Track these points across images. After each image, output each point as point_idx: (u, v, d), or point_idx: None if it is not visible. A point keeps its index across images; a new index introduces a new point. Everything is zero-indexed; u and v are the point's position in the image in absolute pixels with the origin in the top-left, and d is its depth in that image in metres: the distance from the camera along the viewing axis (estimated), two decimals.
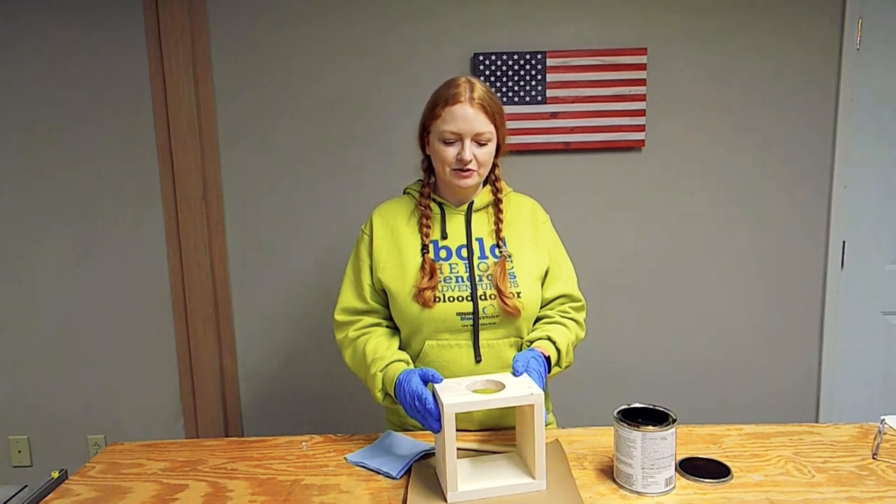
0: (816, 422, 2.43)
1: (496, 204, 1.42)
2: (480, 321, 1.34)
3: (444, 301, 1.33)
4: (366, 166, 2.31)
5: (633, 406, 1.16)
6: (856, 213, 2.36)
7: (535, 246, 1.42)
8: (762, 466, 1.18)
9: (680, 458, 1.20)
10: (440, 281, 1.34)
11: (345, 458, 1.27)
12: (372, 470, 1.22)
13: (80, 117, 2.27)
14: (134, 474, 1.24)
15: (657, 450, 1.07)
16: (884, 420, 1.26)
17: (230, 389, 2.40)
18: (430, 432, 1.36)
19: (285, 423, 2.44)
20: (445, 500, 1.08)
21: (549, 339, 1.35)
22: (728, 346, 2.42)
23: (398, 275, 1.37)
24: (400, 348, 1.40)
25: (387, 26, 2.24)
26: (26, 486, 1.27)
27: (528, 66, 2.21)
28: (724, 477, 1.13)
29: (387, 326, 1.44)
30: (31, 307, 2.37)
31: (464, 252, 1.38)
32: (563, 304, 1.45)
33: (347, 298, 1.44)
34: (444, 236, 1.40)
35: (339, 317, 1.45)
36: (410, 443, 1.30)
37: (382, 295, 1.42)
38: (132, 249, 2.34)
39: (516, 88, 2.22)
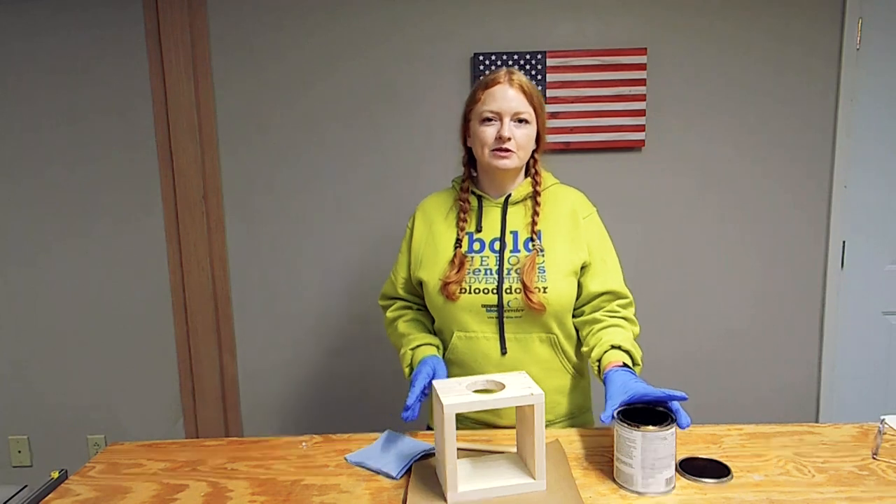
0: (816, 421, 2.43)
1: (534, 196, 1.41)
2: (505, 314, 1.35)
3: (470, 293, 1.36)
4: (366, 166, 2.31)
5: (633, 406, 1.16)
6: (856, 213, 2.36)
7: (571, 241, 1.39)
8: (762, 466, 1.18)
9: (680, 458, 1.20)
10: (469, 273, 1.36)
11: (345, 458, 1.27)
12: (372, 470, 1.22)
13: (80, 117, 2.27)
14: (134, 474, 1.24)
15: (657, 450, 1.07)
16: (884, 420, 1.25)
17: (230, 389, 2.40)
18: (430, 432, 1.37)
19: (285, 423, 2.44)
20: (445, 500, 1.08)
21: (613, 346, 1.31)
22: (728, 345, 2.42)
23: (432, 268, 1.40)
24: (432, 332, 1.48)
25: (387, 26, 2.24)
26: (26, 486, 1.27)
27: (528, 66, 2.21)
28: (724, 477, 1.13)
29: (418, 310, 1.51)
30: (31, 307, 2.37)
31: (496, 245, 1.39)
32: (610, 301, 1.40)
33: (385, 288, 1.56)
34: (479, 229, 1.41)
35: (380, 302, 1.58)
36: (410, 443, 1.30)
37: (419, 287, 1.47)
38: (132, 249, 2.34)
39: None
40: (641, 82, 2.23)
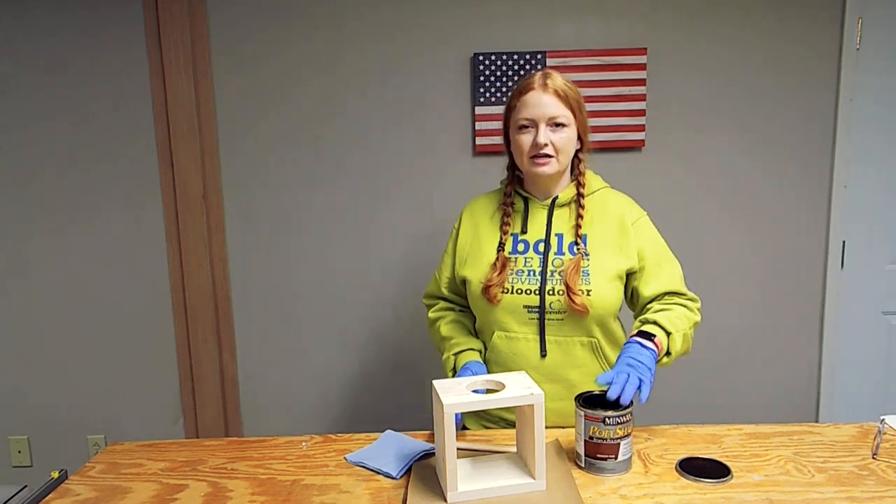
0: (816, 422, 2.43)
1: (578, 200, 1.41)
2: (547, 315, 1.35)
3: (512, 293, 1.36)
4: (366, 166, 2.31)
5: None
6: (856, 212, 2.36)
7: (617, 247, 1.38)
8: (762, 466, 1.18)
9: (680, 458, 1.21)
10: (511, 273, 1.36)
11: (345, 458, 1.27)
12: (372, 470, 1.22)
13: (80, 117, 2.27)
14: (134, 474, 1.24)
15: (579, 424, 1.18)
16: (884, 420, 1.26)
17: (230, 389, 2.40)
18: (430, 432, 1.36)
19: (285, 423, 2.44)
20: (445, 500, 1.08)
21: (646, 321, 1.32)
22: (728, 345, 2.42)
23: (475, 268, 1.41)
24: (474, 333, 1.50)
25: (387, 26, 2.24)
26: (26, 486, 1.28)
27: (528, 66, 2.21)
28: (724, 477, 1.14)
29: (460, 311, 1.53)
30: (31, 307, 2.37)
31: (541, 247, 1.39)
32: (664, 297, 1.40)
33: (430, 286, 1.57)
34: (524, 230, 1.41)
35: (423, 300, 1.60)
36: (410, 443, 1.30)
37: (462, 286, 1.47)
38: (132, 249, 2.34)
39: None
40: (641, 82, 2.23)
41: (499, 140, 2.20)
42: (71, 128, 2.28)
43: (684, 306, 1.39)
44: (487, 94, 2.22)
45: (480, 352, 1.44)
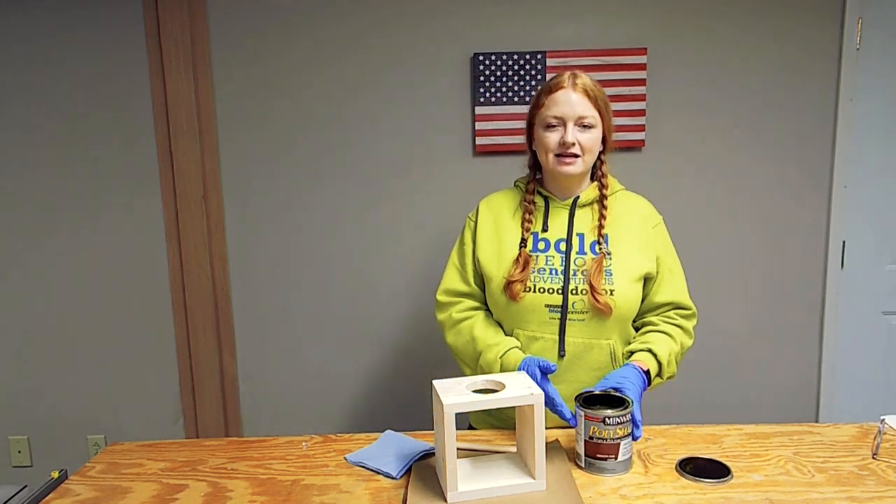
0: (816, 422, 2.43)
1: (601, 200, 1.41)
2: (568, 315, 1.34)
3: (535, 292, 1.35)
4: (365, 166, 2.31)
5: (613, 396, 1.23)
6: (856, 213, 2.36)
7: (640, 247, 1.39)
8: (762, 466, 1.18)
9: (680, 458, 1.21)
10: (534, 272, 1.35)
11: (345, 458, 1.27)
12: (372, 470, 1.22)
13: (80, 117, 2.27)
14: (134, 474, 1.24)
15: (579, 424, 1.18)
16: (884, 420, 1.26)
17: (230, 389, 2.40)
18: (430, 432, 1.36)
19: (285, 423, 2.44)
20: (445, 500, 1.08)
21: (650, 351, 1.34)
22: (728, 345, 2.42)
23: (495, 262, 1.40)
24: None
25: (387, 26, 2.24)
26: (26, 486, 1.27)
27: (528, 66, 2.21)
28: (724, 477, 1.14)
29: (487, 310, 1.47)
30: (31, 307, 2.37)
31: (562, 246, 1.38)
32: (670, 310, 1.43)
33: (451, 281, 1.47)
34: (545, 229, 1.40)
35: (441, 297, 1.48)
36: (410, 443, 1.30)
37: (482, 280, 1.45)
38: (132, 249, 2.34)
39: (516, 88, 2.22)
40: (641, 82, 2.23)
41: (499, 140, 2.24)
42: (71, 127, 2.27)
43: (683, 329, 1.43)
44: (487, 94, 2.22)
45: (522, 350, 1.37)
